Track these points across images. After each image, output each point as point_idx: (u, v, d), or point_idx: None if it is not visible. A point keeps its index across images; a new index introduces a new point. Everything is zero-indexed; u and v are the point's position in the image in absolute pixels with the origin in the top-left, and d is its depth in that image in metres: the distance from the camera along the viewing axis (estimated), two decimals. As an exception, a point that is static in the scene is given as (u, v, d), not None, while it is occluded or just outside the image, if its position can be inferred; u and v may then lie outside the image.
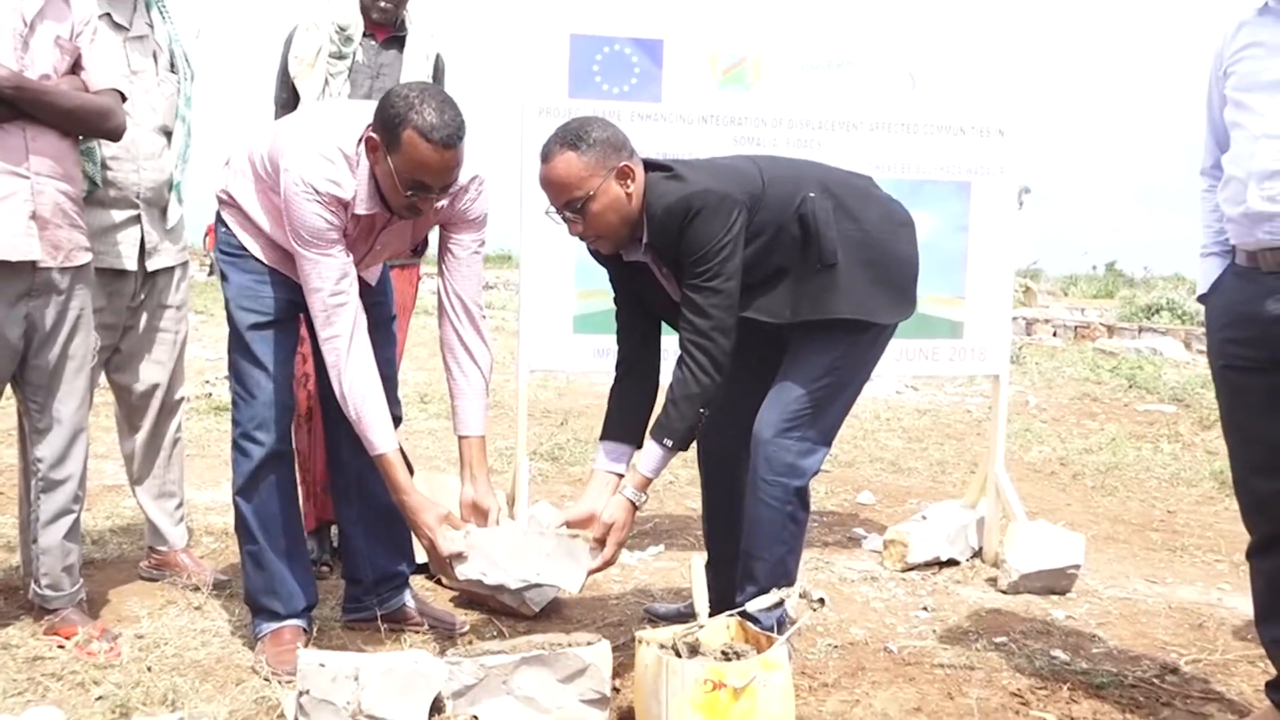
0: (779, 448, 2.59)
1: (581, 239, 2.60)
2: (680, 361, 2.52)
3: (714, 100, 3.53)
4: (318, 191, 2.43)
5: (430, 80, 3.51)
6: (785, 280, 2.62)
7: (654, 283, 2.69)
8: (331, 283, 2.49)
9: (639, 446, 2.67)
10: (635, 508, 2.56)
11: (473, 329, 2.71)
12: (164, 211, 3.13)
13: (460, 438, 2.71)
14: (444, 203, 2.56)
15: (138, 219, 3.06)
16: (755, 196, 2.55)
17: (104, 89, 2.71)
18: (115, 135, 2.77)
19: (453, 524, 2.56)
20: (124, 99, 2.78)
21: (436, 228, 2.75)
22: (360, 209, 2.50)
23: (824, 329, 2.63)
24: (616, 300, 2.79)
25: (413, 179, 2.40)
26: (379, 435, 2.53)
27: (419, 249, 2.83)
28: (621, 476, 2.64)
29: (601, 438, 2.69)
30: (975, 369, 3.88)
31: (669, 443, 2.52)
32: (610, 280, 2.79)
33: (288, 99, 3.39)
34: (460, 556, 2.53)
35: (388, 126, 2.36)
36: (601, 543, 2.53)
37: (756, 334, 2.64)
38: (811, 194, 2.60)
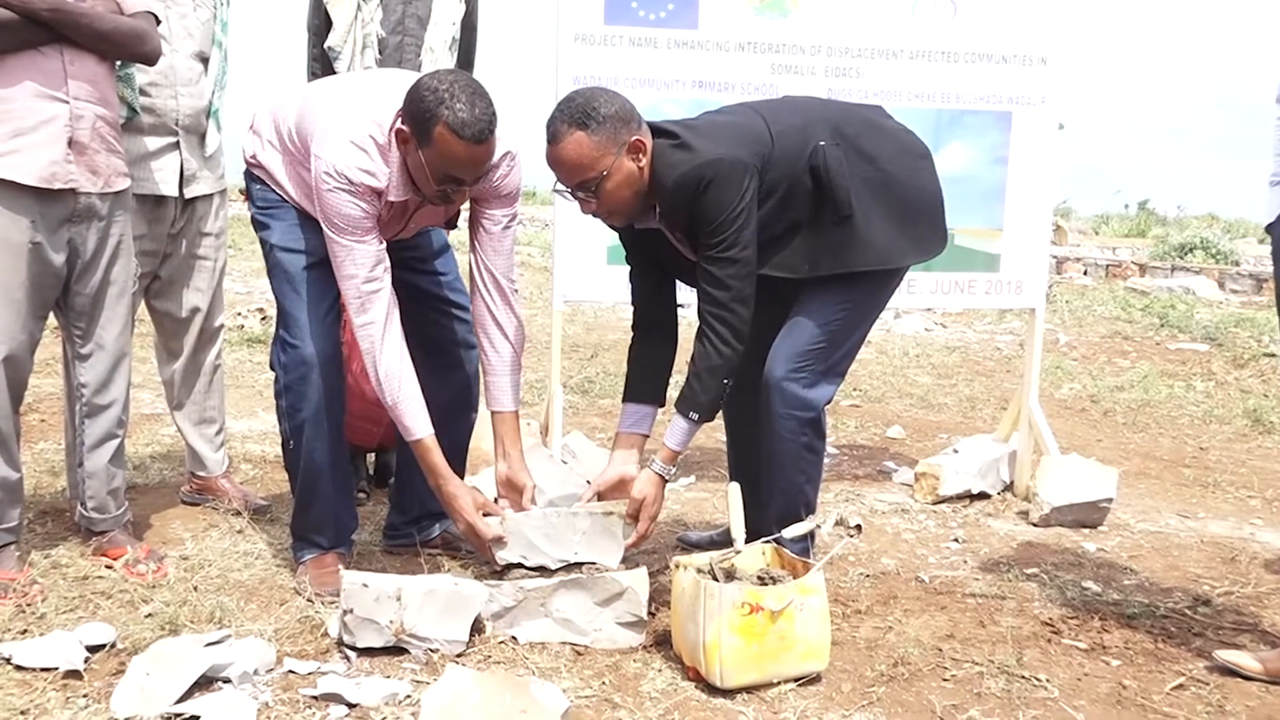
0: (791, 382, 2.60)
1: (594, 216, 2.56)
2: (700, 334, 2.51)
3: (751, 27, 3.48)
4: (351, 182, 2.41)
5: (462, 9, 3.48)
6: (801, 234, 2.59)
7: (669, 245, 2.67)
8: (366, 269, 2.48)
9: (661, 405, 2.69)
10: (665, 482, 2.57)
11: (504, 303, 2.70)
12: (202, 138, 3.13)
13: (493, 413, 2.71)
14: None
15: (176, 145, 3.06)
16: (765, 156, 2.50)
17: (138, 11, 2.69)
18: (151, 59, 2.76)
19: (489, 511, 2.57)
20: (158, 22, 2.76)
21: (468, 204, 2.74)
22: (394, 196, 2.48)
23: (838, 278, 2.61)
24: (629, 260, 2.76)
25: (445, 173, 2.38)
26: (415, 421, 2.54)
27: (452, 222, 2.82)
28: (646, 437, 2.65)
29: (624, 400, 2.70)
30: (1012, 302, 3.85)
31: (695, 416, 2.53)
32: (622, 242, 2.77)
33: (320, 25, 3.37)
34: (500, 541, 2.55)
35: (418, 121, 2.33)
36: (635, 517, 2.55)
37: (772, 286, 2.62)
38: (822, 142, 2.54)
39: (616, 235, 3.44)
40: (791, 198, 2.55)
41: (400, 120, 2.40)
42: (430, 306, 2.82)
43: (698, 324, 2.53)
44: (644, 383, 2.69)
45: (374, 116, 2.44)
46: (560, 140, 2.40)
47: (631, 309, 2.79)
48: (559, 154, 2.42)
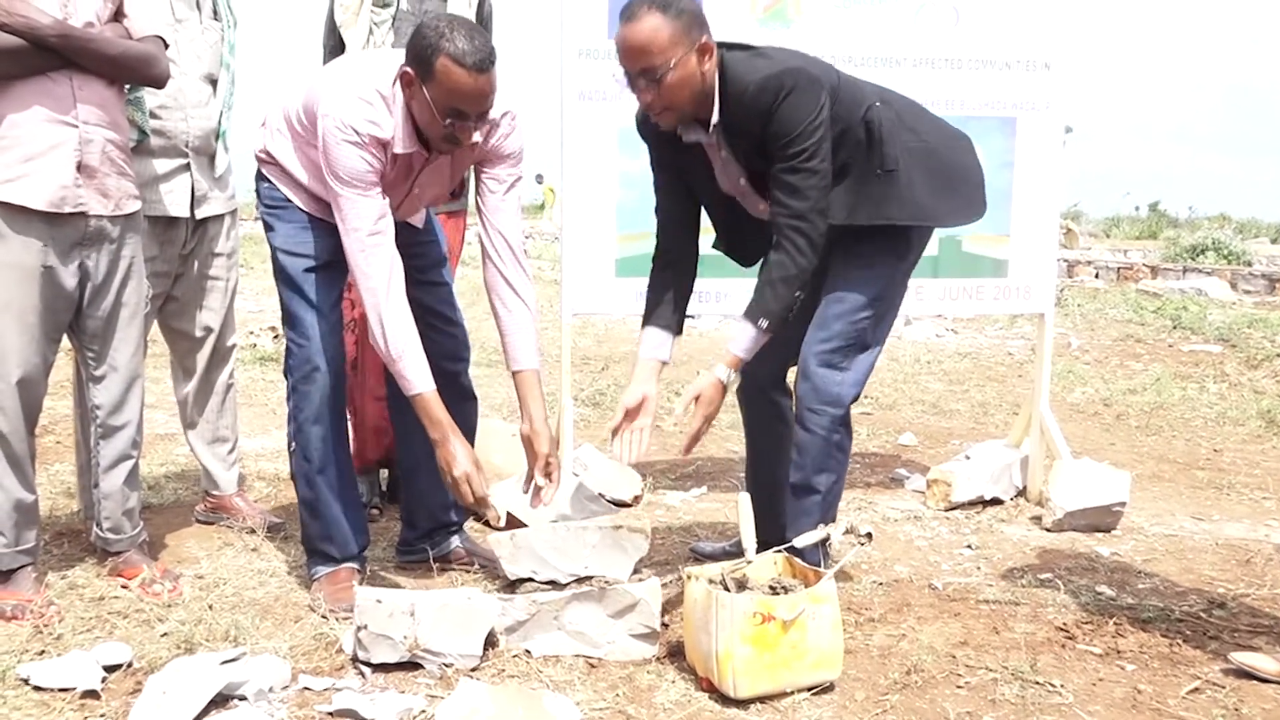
0: (825, 378, 2.63)
1: (647, 109, 2.55)
2: (778, 244, 2.51)
3: (754, 37, 3.46)
4: (358, 133, 2.46)
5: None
6: (847, 179, 2.61)
7: (703, 172, 2.67)
8: (370, 222, 2.51)
9: (679, 335, 2.72)
10: (725, 387, 2.55)
11: (516, 265, 2.72)
12: (212, 160, 3.16)
13: (514, 374, 2.74)
14: (478, 138, 2.56)
15: (187, 167, 3.09)
16: (834, 87, 2.55)
17: (146, 35, 2.72)
18: (159, 82, 2.79)
19: (472, 483, 2.56)
20: (166, 45, 2.79)
21: (472, 173, 2.77)
22: (399, 148, 2.52)
23: (870, 240, 2.63)
24: (658, 189, 2.78)
25: (450, 106, 2.41)
26: (418, 375, 2.56)
27: (457, 192, 2.85)
28: (665, 364, 2.67)
29: (644, 325, 2.72)
30: (1021, 307, 3.85)
31: (764, 324, 2.52)
32: (653, 165, 2.78)
33: (335, 46, 3.41)
34: (487, 503, 2.56)
35: (421, 58, 2.39)
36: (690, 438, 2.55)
37: None
38: (877, 103, 2.61)
39: (625, 248, 3.49)
40: (843, 142, 2.58)
41: (404, 65, 2.46)
42: (420, 320, 2.84)
43: (774, 238, 2.52)
44: (664, 309, 2.71)
45: (378, 73, 2.52)
46: (637, 20, 2.41)
47: (653, 249, 2.80)
48: (632, 33, 2.42)
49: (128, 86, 2.79)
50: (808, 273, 2.51)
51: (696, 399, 2.54)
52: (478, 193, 2.75)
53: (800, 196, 2.47)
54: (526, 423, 2.69)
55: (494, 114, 2.56)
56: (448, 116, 2.43)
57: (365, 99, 2.48)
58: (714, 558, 2.97)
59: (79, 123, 2.59)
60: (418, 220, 2.86)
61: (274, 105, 2.76)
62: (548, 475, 2.69)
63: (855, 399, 2.69)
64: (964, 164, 2.75)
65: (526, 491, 2.72)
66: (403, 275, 2.58)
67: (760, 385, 2.89)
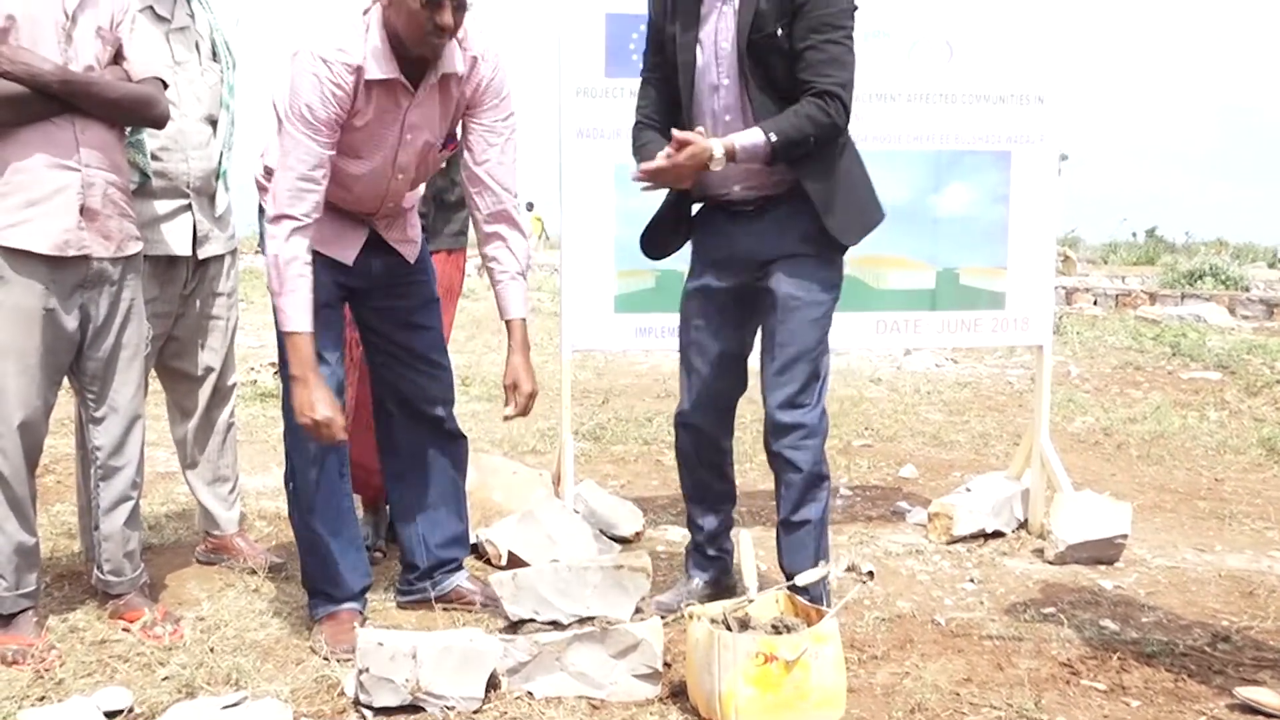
0: (798, 417, 2.68)
1: None
2: (820, 95, 2.57)
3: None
4: (326, 62, 2.46)
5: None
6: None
7: (688, 53, 2.71)
8: (307, 166, 2.49)
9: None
10: (710, 161, 2.53)
11: (510, 224, 2.75)
12: (212, 200, 3.18)
13: (505, 322, 2.79)
14: (463, 71, 2.59)
15: (188, 208, 3.11)
16: None
17: (146, 78, 2.75)
18: (160, 123, 2.81)
19: (333, 427, 2.54)
20: (165, 87, 2.81)
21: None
22: (374, 73, 2.51)
23: (804, 274, 2.69)
24: (645, 72, 2.87)
25: None
26: (297, 313, 2.51)
27: (449, 139, 2.84)
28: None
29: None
30: (1018, 339, 3.86)
31: (774, 138, 2.54)
32: (648, 41, 2.85)
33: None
34: (334, 424, 2.54)
35: None
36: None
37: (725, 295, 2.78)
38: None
39: (624, 285, 3.50)
40: None
41: None
42: (405, 363, 2.86)
43: (810, 96, 2.57)
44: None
45: (349, 12, 2.54)
46: None
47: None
48: None
49: (128, 129, 2.81)
50: (831, 132, 2.59)
51: (682, 145, 2.52)
52: (470, 150, 2.74)
53: (843, 68, 2.60)
54: (510, 363, 2.77)
55: (476, 49, 2.59)
56: (426, 6, 2.41)
57: (335, 30, 2.50)
58: (667, 607, 2.86)
59: (81, 166, 2.61)
60: (410, 254, 2.86)
61: (272, 132, 2.77)
62: (517, 405, 2.77)
63: (826, 425, 2.75)
64: (869, 218, 2.78)
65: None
66: (313, 234, 2.54)
67: (712, 439, 2.94)
